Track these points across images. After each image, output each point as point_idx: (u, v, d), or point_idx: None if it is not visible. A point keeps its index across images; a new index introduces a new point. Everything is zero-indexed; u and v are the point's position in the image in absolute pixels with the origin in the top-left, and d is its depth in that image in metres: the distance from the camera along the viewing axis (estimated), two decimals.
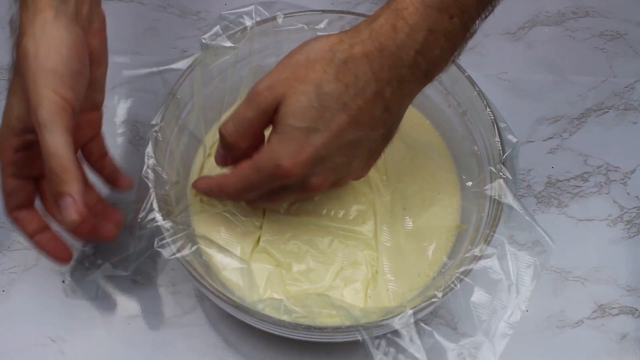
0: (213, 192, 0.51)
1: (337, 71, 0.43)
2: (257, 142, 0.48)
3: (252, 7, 0.56)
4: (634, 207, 0.61)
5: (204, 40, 0.55)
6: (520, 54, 0.69)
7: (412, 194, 0.56)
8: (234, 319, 0.51)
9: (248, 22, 0.55)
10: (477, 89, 0.54)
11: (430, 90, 0.57)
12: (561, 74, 0.68)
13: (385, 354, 0.46)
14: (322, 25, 0.57)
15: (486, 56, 0.68)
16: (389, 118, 0.46)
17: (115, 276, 0.55)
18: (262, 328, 0.48)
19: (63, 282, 0.55)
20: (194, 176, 0.56)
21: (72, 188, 0.44)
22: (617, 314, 0.56)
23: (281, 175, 0.45)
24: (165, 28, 0.69)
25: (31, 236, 0.50)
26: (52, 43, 0.45)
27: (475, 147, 0.55)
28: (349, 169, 0.48)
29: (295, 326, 0.46)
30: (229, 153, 0.49)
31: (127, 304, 0.55)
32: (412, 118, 0.59)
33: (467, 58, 0.51)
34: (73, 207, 0.44)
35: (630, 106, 0.66)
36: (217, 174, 0.51)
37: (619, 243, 0.59)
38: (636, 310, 0.56)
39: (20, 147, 0.47)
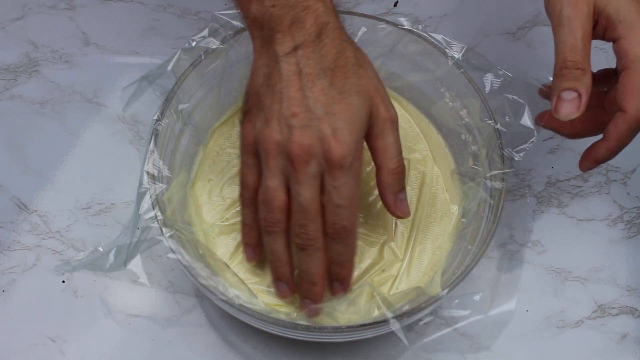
0: None
1: None
2: None
3: None
4: (634, 207, 0.61)
5: (186, 45, 0.55)
6: (520, 54, 0.69)
7: (413, 194, 0.56)
8: (234, 319, 0.51)
9: (242, 25, 0.55)
10: (474, 87, 0.54)
11: (432, 90, 0.58)
12: None
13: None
14: None
15: (486, 56, 0.68)
16: None
17: (115, 276, 0.55)
18: (262, 328, 0.48)
19: (63, 282, 0.55)
20: (195, 172, 0.56)
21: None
22: (617, 314, 0.56)
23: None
24: (165, 28, 0.69)
25: None
26: None
27: (475, 147, 0.55)
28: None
29: (295, 326, 0.46)
30: None
31: (127, 304, 0.55)
32: (414, 118, 0.59)
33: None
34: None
35: None
36: None
37: (619, 243, 0.59)
38: (636, 310, 0.56)
39: None
